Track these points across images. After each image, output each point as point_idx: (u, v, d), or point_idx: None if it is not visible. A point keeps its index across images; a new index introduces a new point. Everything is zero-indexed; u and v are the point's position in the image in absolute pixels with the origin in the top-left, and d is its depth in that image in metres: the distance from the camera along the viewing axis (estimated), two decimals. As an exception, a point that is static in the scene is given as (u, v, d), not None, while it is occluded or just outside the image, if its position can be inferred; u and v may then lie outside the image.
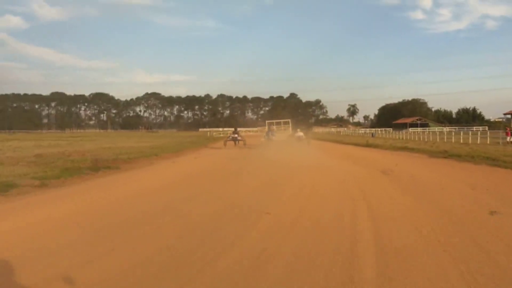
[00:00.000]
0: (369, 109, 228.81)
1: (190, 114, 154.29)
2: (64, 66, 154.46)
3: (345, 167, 14.23)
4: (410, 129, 76.84)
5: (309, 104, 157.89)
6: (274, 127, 35.11)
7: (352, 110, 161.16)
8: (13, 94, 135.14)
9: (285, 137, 30.91)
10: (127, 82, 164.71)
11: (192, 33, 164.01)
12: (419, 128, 79.52)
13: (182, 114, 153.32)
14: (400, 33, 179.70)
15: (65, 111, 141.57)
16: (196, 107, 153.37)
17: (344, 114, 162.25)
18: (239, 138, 29.46)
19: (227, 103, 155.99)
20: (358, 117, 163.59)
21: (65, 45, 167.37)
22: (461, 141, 29.89)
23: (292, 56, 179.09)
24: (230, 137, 30.21)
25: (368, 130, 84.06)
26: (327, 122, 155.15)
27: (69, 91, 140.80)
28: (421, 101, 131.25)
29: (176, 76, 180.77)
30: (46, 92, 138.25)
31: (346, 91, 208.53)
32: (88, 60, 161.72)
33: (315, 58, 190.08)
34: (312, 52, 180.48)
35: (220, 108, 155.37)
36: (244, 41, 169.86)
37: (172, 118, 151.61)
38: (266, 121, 37.11)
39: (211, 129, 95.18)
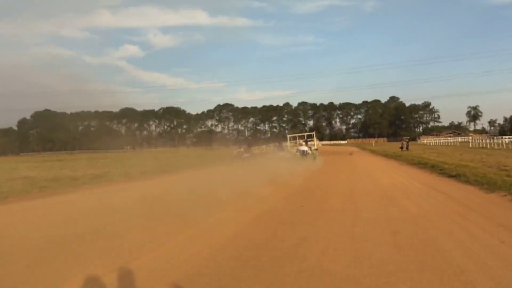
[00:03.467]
0: (496, 111, 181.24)
1: (267, 127, 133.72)
2: (177, 89, 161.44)
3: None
4: None
5: (415, 108, 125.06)
6: (294, 141, 30.96)
7: (473, 114, 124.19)
8: (83, 112, 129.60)
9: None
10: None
11: (292, 49, 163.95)
12: None
13: (258, 127, 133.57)
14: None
15: (135, 128, 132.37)
16: (274, 118, 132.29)
17: (462, 119, 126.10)
18: (246, 155, 24.76)
19: (310, 112, 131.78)
20: (481, 122, 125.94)
21: (177, 70, 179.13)
22: None
23: (395, 61, 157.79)
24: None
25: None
26: (439, 130, 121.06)
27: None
28: None
29: (276, 92, 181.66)
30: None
31: (463, 90, 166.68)
32: (197, 82, 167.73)
33: (422, 60, 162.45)
34: (419, 55, 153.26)
35: (301, 118, 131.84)
36: (343, 51, 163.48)
37: (246, 131, 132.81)
38: (288, 135, 33.50)
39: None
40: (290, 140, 32.33)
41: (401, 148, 35.82)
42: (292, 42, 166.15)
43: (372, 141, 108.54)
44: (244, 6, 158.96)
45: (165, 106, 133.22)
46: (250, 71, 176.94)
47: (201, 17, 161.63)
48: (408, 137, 41.27)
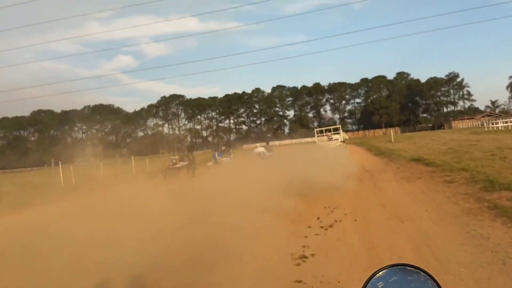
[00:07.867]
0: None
1: (232, 123, 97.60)
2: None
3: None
4: None
5: (435, 83, 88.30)
6: (322, 134, 35.00)
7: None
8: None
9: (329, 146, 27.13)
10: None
11: (283, 49, 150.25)
12: None
13: (221, 124, 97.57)
14: None
15: (53, 135, 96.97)
16: (241, 110, 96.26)
17: (498, 96, 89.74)
18: (181, 164, 20.57)
19: (289, 100, 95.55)
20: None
21: (171, 77, 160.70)
22: None
23: (394, 48, 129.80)
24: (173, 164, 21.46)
25: None
26: (470, 113, 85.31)
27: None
28: None
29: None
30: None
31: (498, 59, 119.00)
32: (192, 88, 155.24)
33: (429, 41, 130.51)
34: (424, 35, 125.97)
35: (278, 108, 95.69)
36: (335, 47, 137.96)
37: (203, 130, 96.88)
38: (315, 129, 36.48)
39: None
40: (317, 133, 34.90)
41: None
42: (282, 42, 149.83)
43: (380, 132, 73.77)
44: (234, 10, 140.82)
45: (92, 104, 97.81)
46: (243, 72, 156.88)
47: (191, 24, 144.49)
48: None
